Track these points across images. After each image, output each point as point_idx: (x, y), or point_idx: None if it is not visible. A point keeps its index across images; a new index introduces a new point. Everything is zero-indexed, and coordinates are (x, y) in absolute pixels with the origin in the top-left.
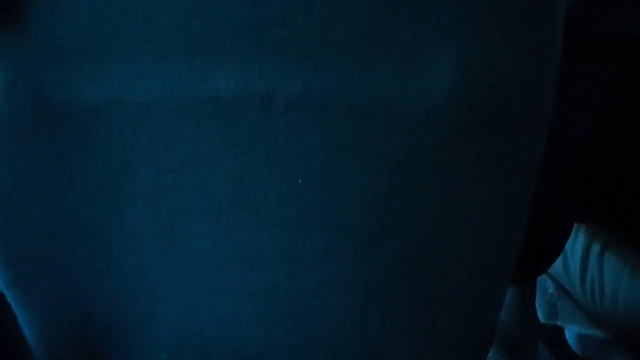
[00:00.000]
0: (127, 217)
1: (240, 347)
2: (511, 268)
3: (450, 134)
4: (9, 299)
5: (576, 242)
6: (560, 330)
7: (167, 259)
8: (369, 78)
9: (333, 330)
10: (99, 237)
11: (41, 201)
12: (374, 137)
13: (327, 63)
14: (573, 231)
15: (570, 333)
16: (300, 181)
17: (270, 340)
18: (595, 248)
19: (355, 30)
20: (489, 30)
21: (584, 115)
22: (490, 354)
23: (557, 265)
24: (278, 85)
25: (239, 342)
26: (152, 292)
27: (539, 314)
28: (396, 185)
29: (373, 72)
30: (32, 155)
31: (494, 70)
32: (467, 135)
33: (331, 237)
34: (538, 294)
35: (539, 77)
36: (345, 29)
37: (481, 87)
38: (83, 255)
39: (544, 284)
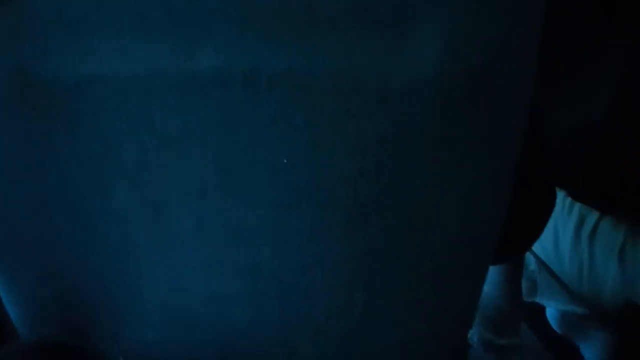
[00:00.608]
0: (111, 195)
1: (226, 323)
2: (494, 244)
3: (435, 110)
4: None
5: (568, 220)
6: (542, 310)
7: (153, 237)
8: (353, 54)
9: (319, 308)
10: (84, 214)
11: (23, 178)
12: (358, 114)
13: (311, 40)
14: (566, 210)
15: (551, 312)
16: (285, 161)
17: (256, 318)
18: (587, 229)
19: (340, 6)
20: (473, 6)
21: (580, 95)
22: (474, 330)
23: (547, 242)
24: (262, 62)
25: (225, 319)
26: (138, 269)
27: None
28: (381, 163)
29: (357, 49)
30: (12, 131)
31: (478, 47)
32: (451, 112)
33: (316, 216)
34: None
35: (523, 55)
36: (330, 5)
37: (466, 64)
38: (67, 233)
39: (526, 261)
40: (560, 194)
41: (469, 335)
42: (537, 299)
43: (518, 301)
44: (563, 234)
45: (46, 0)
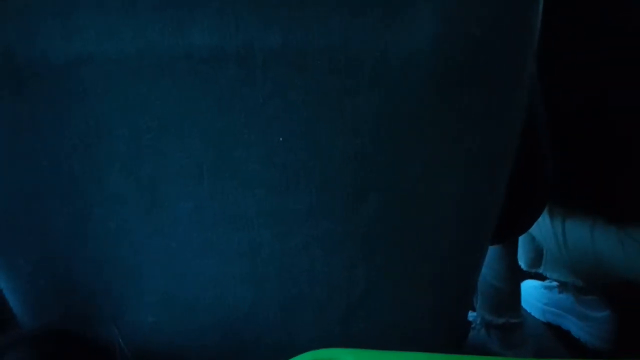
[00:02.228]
0: (105, 179)
1: (227, 307)
2: (493, 222)
3: (433, 86)
4: None
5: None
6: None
7: (150, 221)
8: (348, 30)
9: (320, 288)
10: (79, 199)
11: (15, 163)
12: (355, 91)
13: (305, 14)
14: None
15: (533, 302)
16: (281, 139)
17: (257, 300)
18: (559, 212)
19: None
20: None
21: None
22: (476, 313)
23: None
24: (256, 39)
25: (226, 303)
26: (135, 254)
27: (522, 262)
28: (379, 140)
29: (353, 24)
30: (1, 115)
31: (474, 23)
32: (449, 87)
33: (315, 196)
34: (525, 241)
35: (520, 29)
36: None
37: (462, 40)
38: (63, 218)
39: (533, 233)
40: None
41: (472, 319)
42: (541, 270)
43: (514, 279)
44: (542, 217)
45: None
